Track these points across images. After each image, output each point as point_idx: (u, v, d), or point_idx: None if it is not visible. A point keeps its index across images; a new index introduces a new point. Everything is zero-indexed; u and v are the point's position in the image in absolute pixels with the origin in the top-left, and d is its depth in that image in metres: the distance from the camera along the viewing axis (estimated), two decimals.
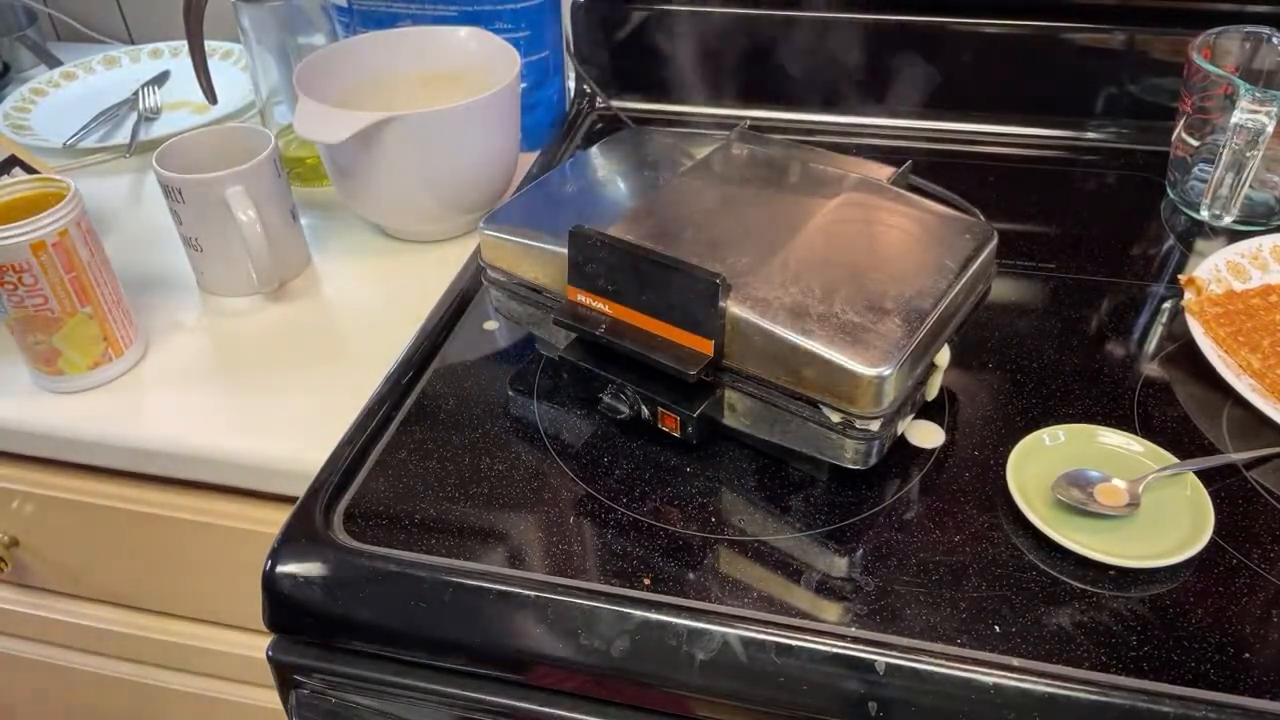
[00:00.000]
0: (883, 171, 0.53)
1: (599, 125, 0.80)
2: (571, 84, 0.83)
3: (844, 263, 0.45)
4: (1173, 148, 0.66)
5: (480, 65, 0.70)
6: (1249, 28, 0.64)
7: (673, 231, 0.47)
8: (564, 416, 0.51)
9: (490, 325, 0.58)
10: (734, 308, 0.42)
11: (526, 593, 0.41)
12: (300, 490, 0.47)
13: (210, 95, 0.71)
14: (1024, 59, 0.73)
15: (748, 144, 0.56)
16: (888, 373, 0.40)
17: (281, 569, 0.43)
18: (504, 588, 0.42)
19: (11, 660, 0.71)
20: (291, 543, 0.44)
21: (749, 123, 0.59)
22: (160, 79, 0.93)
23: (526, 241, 0.50)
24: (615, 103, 0.81)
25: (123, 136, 0.83)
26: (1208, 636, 0.39)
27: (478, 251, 0.54)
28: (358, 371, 0.56)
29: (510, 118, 0.66)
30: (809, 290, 0.43)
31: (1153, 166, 0.70)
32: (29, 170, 0.65)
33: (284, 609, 0.43)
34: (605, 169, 0.54)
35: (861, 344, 0.41)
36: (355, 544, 0.44)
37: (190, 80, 0.82)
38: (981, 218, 0.52)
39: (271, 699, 0.65)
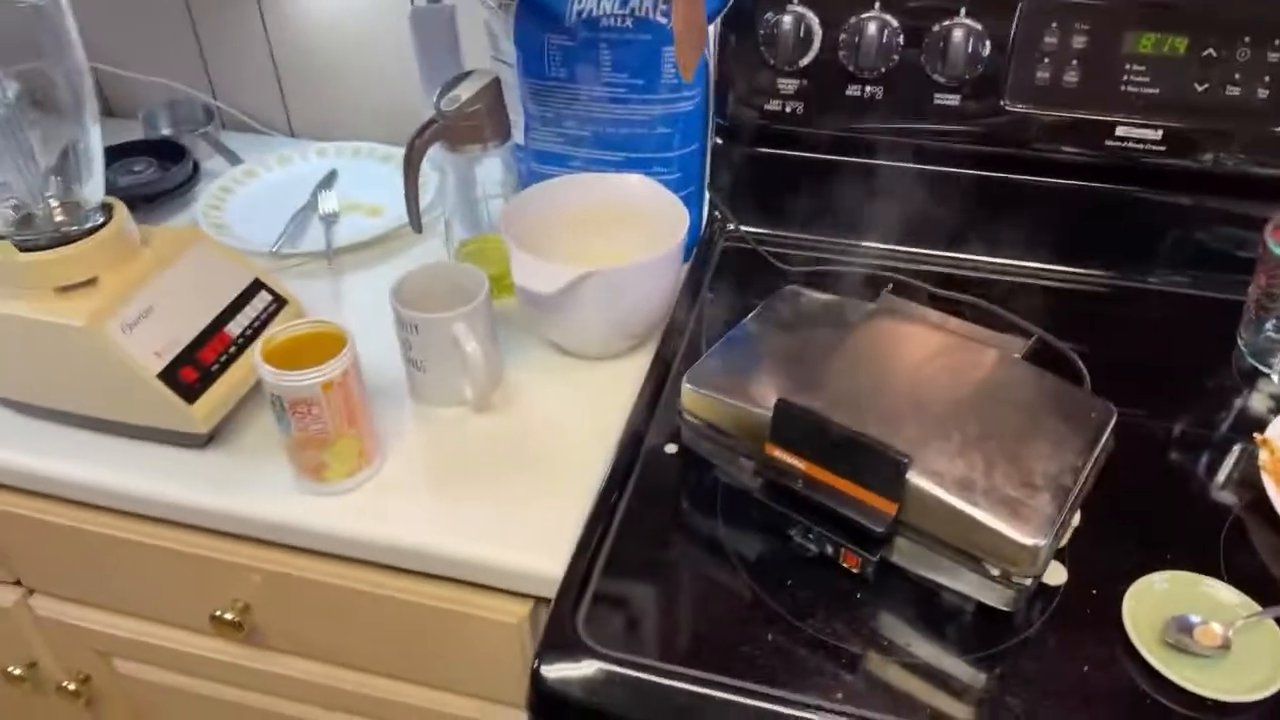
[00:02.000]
0: (1015, 345, 0.64)
1: (726, 243, 0.92)
2: (705, 211, 0.94)
3: (997, 435, 0.57)
4: (1246, 308, 0.76)
5: (644, 209, 0.81)
6: None
7: (848, 402, 0.58)
8: (748, 541, 0.62)
9: (671, 449, 0.69)
10: (914, 479, 0.54)
11: (741, 700, 0.53)
12: (517, 586, 0.58)
13: (417, 225, 0.83)
14: (1110, 212, 0.84)
15: (894, 312, 0.67)
16: (1043, 543, 0.51)
17: (546, 668, 0.54)
18: (721, 695, 0.53)
19: (229, 707, 0.82)
20: (553, 647, 0.55)
21: (892, 285, 0.70)
22: (329, 180, 1.05)
23: (725, 399, 0.61)
24: (743, 228, 0.93)
25: (310, 239, 0.95)
26: None
27: (679, 400, 0.65)
28: (558, 482, 0.68)
29: (678, 263, 0.77)
30: (973, 464, 0.54)
31: (1225, 313, 0.80)
32: (271, 291, 0.77)
33: (545, 698, 0.54)
34: (778, 333, 0.66)
35: (1021, 518, 0.52)
36: (601, 649, 0.55)
37: (357, 181, 1.04)
38: (1089, 384, 0.63)
39: None
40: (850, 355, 0.62)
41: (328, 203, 1.00)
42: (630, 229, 0.82)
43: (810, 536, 0.57)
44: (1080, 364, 0.73)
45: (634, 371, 0.78)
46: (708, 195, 0.93)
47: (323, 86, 1.13)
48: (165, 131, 1.12)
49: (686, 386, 0.62)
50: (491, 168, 0.84)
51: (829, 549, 0.57)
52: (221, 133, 1.14)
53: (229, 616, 0.73)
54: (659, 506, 0.65)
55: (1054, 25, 0.77)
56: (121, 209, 0.70)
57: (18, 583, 0.85)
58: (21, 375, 0.70)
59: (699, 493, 0.66)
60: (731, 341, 0.66)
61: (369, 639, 0.73)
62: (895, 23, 0.79)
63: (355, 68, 1.11)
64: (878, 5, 0.79)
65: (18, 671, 0.89)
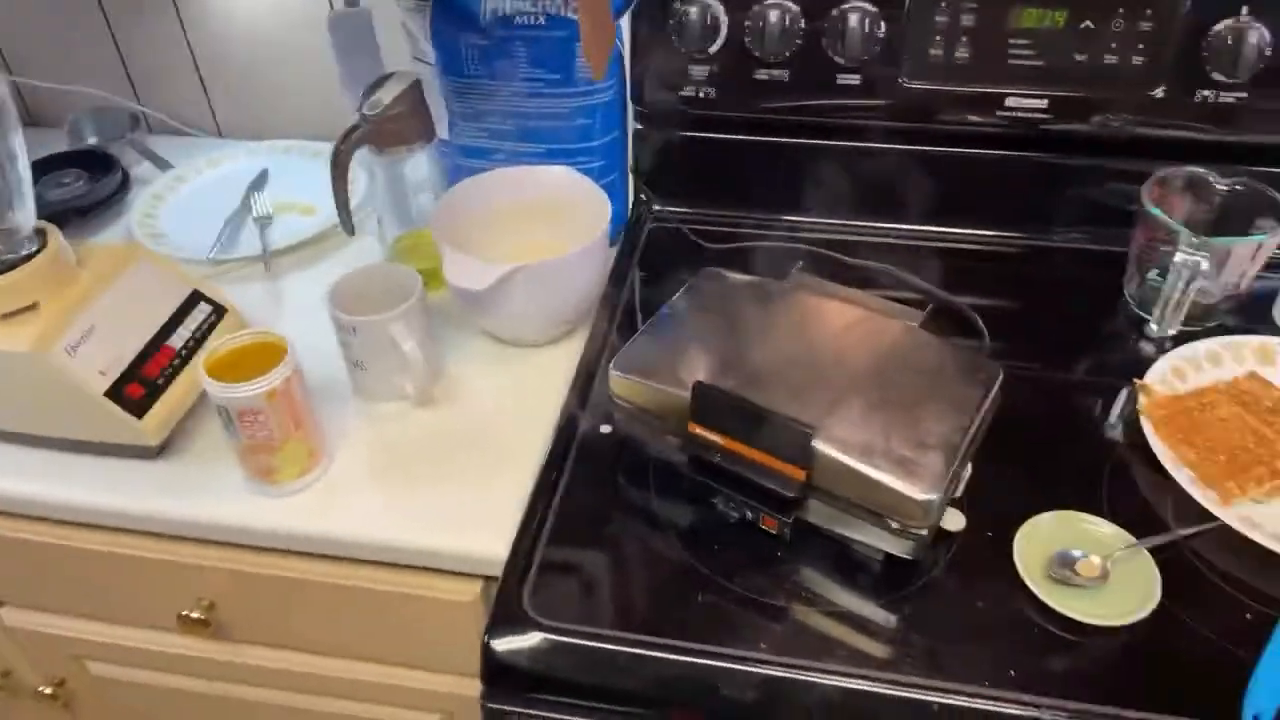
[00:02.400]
0: (914, 316, 0.70)
1: (651, 224, 0.96)
2: (630, 194, 0.98)
3: (896, 401, 0.62)
4: (1129, 261, 0.83)
5: (569, 199, 0.85)
6: (1191, 168, 0.80)
7: (763, 378, 0.63)
8: (678, 511, 0.67)
9: (605, 429, 0.74)
10: (819, 446, 0.59)
11: (676, 658, 0.58)
12: (467, 568, 0.63)
13: (349, 228, 0.85)
14: (1007, 177, 0.89)
15: (805, 288, 0.72)
16: (934, 498, 0.57)
17: (495, 641, 0.59)
18: (657, 655, 0.58)
19: (203, 699, 0.86)
20: (502, 622, 0.60)
21: (801, 263, 0.75)
22: (260, 180, 1.06)
23: (650, 384, 0.65)
24: (667, 208, 0.96)
25: (246, 243, 0.97)
26: (1158, 673, 0.56)
27: (608, 386, 0.69)
28: (500, 467, 0.72)
29: (604, 252, 0.81)
30: (873, 429, 0.60)
31: (1113, 265, 0.86)
32: (210, 302, 0.79)
33: (496, 669, 0.59)
34: (698, 315, 0.70)
35: (914, 476, 0.57)
36: (546, 620, 0.60)
37: (288, 180, 1.06)
38: (988, 341, 0.69)
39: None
40: (765, 333, 0.67)
41: (261, 205, 1.01)
42: (558, 219, 0.85)
43: (732, 504, 0.62)
44: (979, 322, 0.78)
45: (567, 357, 0.82)
46: (631, 179, 0.96)
47: (247, 85, 1.14)
48: (91, 140, 1.12)
49: (614, 373, 0.67)
50: (418, 163, 0.87)
51: (749, 514, 0.62)
52: (149, 137, 1.15)
53: (195, 615, 0.76)
54: (596, 484, 0.70)
55: (943, 4, 0.81)
56: (55, 235, 0.71)
57: None
58: None
59: (632, 469, 0.70)
60: (654, 326, 0.70)
61: (332, 626, 0.77)
62: (795, 7, 0.83)
63: (278, 66, 1.11)
64: None
65: None
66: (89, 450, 0.73)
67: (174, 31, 1.10)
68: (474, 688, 0.61)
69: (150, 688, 0.88)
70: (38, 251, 0.69)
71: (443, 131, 0.90)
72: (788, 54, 0.85)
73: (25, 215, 0.70)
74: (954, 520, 0.64)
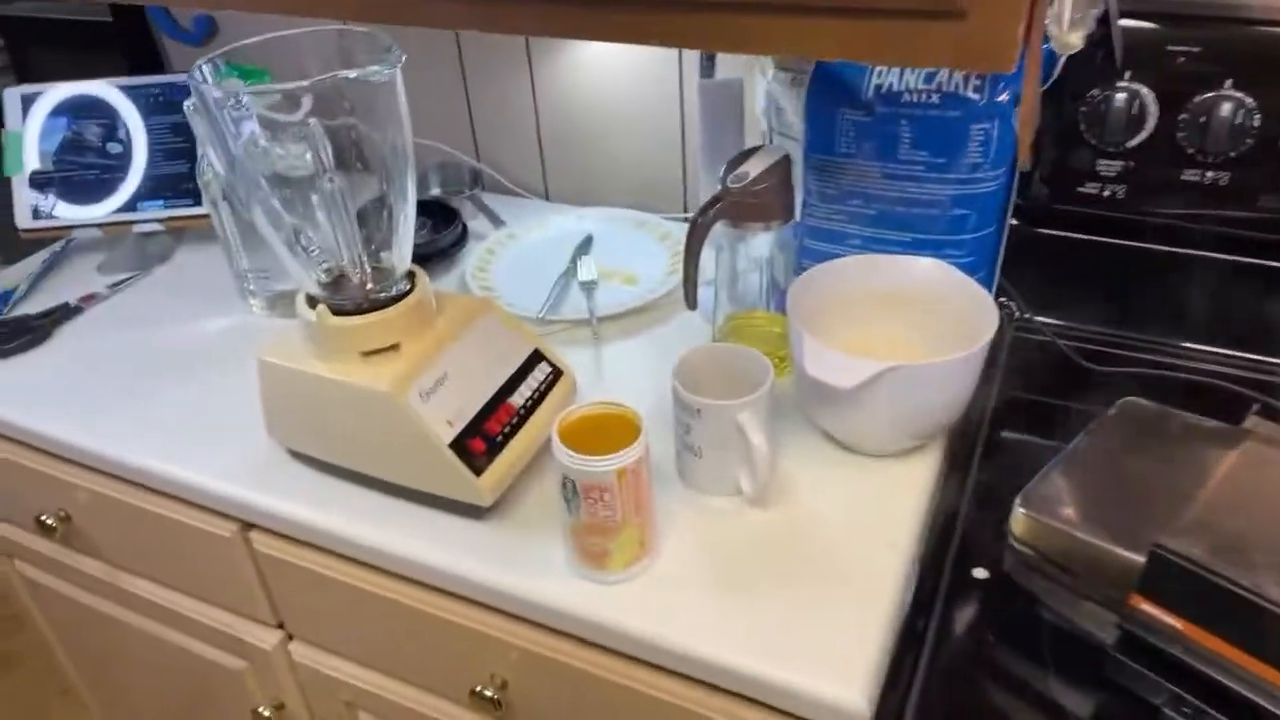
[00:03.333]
0: None
1: (1018, 334, 0.84)
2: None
3: None
4: None
5: (936, 297, 0.75)
6: None
7: (1237, 551, 0.49)
8: (1088, 699, 0.53)
9: (980, 574, 0.62)
10: None
11: None
12: (801, 710, 0.55)
13: (692, 302, 0.80)
14: None
15: (1267, 438, 0.57)
16: None
17: None
18: None
19: None
20: None
21: (1258, 407, 0.60)
22: (586, 245, 1.05)
23: (1073, 532, 0.53)
24: (1038, 318, 0.84)
25: (570, 304, 0.95)
26: None
27: (1008, 524, 0.57)
28: (847, 594, 0.62)
29: (982, 361, 0.70)
30: None
31: None
32: (550, 363, 0.76)
33: None
34: (1126, 456, 0.57)
35: None
36: None
37: (612, 247, 1.04)
38: None
39: None
40: (1225, 490, 0.53)
41: (587, 269, 1.00)
42: (916, 316, 0.76)
43: (1185, 711, 0.48)
44: None
45: (919, 474, 0.71)
46: (997, 282, 0.85)
47: (580, 155, 1.15)
48: (435, 192, 1.16)
49: (1021, 512, 0.55)
50: (760, 243, 0.81)
51: None
52: (483, 195, 1.18)
53: (488, 693, 0.71)
54: (969, 641, 0.58)
55: None
56: (424, 278, 0.71)
57: (280, 625, 0.87)
58: (320, 433, 0.72)
59: (1019, 631, 0.58)
60: (1071, 461, 0.58)
61: None
62: (1252, 102, 0.69)
63: (613, 138, 1.12)
64: (1229, 84, 0.70)
65: (266, 712, 0.92)
66: (418, 499, 0.71)
67: (524, 98, 1.14)
68: None
69: None
70: (408, 292, 0.69)
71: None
72: (1232, 154, 0.71)
73: (402, 256, 0.70)
74: None
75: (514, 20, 0.56)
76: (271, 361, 0.71)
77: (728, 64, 0.91)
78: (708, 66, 0.91)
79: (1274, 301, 0.75)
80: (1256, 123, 0.70)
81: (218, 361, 0.91)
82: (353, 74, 0.61)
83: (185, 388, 0.87)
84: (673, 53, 1.03)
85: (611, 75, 1.07)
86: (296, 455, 0.76)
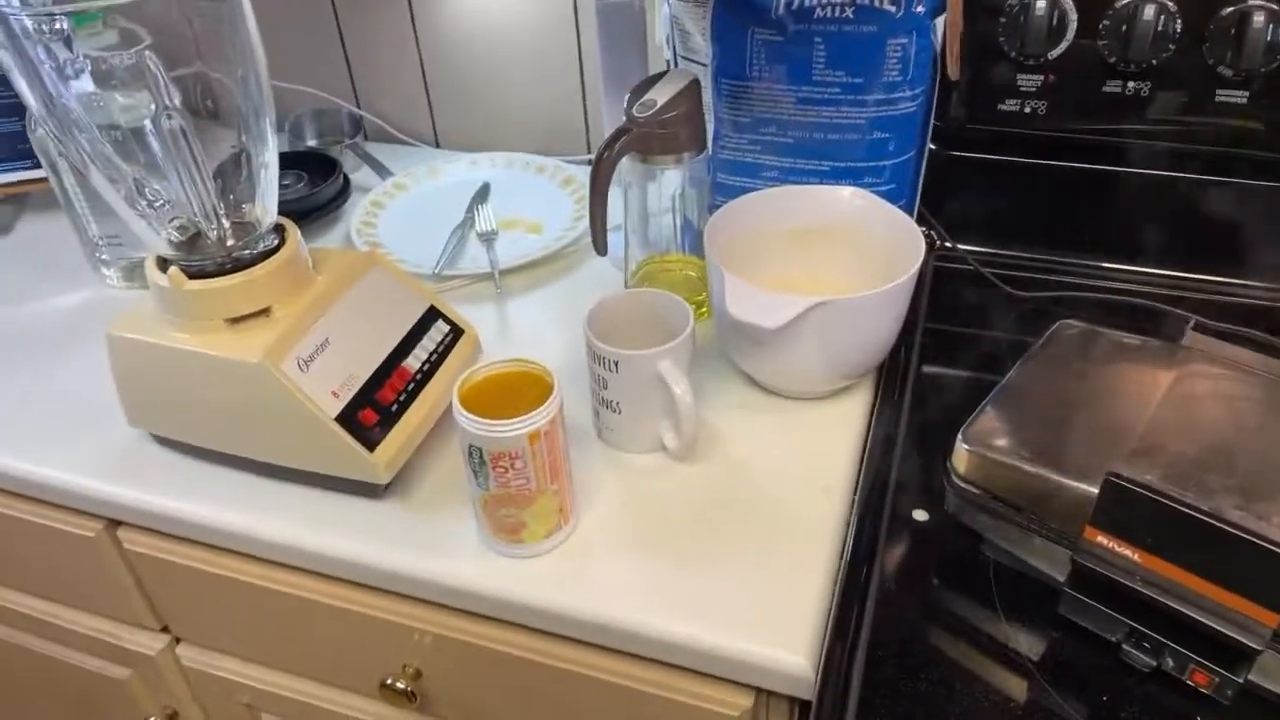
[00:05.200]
0: None
1: (939, 263, 0.80)
2: None
3: None
4: None
5: (859, 226, 0.71)
6: None
7: (1191, 475, 0.46)
8: (1043, 641, 0.50)
9: (920, 516, 0.58)
10: None
11: None
12: (742, 676, 0.51)
13: (602, 247, 0.74)
14: None
15: (1207, 355, 0.54)
16: None
17: None
18: None
19: None
20: None
21: (1193, 322, 0.58)
22: (483, 193, 0.97)
23: (1020, 466, 0.50)
24: (961, 246, 0.81)
25: (469, 258, 0.88)
26: None
27: (949, 462, 0.54)
28: (785, 548, 0.57)
29: (910, 292, 0.66)
30: None
31: None
32: (448, 320, 0.69)
33: None
34: (1068, 383, 0.54)
35: None
36: None
37: (511, 195, 0.96)
38: None
39: None
40: (1171, 412, 0.50)
41: (485, 219, 0.92)
42: (837, 250, 0.72)
43: (1146, 646, 0.45)
44: None
45: (850, 415, 0.67)
46: (918, 209, 0.81)
47: (471, 97, 1.06)
48: (311, 143, 1.06)
49: (964, 448, 0.51)
50: (668, 181, 0.75)
51: (1171, 662, 0.45)
52: (366, 144, 1.08)
53: (400, 685, 0.65)
54: (914, 588, 0.54)
55: None
56: (295, 231, 0.62)
57: (165, 629, 0.79)
58: (186, 415, 0.64)
59: (966, 574, 0.54)
60: (1009, 391, 0.54)
61: (559, 717, 0.64)
62: (1174, 6, 0.66)
63: (506, 75, 1.03)
64: None
65: None
66: (307, 481, 0.63)
67: (405, 35, 1.04)
68: None
69: None
70: (277, 248, 0.60)
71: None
72: (1154, 62, 0.68)
73: (266, 208, 0.61)
74: None
75: None
76: (122, 336, 0.62)
77: None
78: None
79: (1201, 217, 0.73)
80: (1179, 27, 0.67)
81: (71, 341, 0.80)
82: None
83: (36, 373, 0.77)
84: None
85: (500, 3, 0.99)
86: (164, 442, 0.68)
